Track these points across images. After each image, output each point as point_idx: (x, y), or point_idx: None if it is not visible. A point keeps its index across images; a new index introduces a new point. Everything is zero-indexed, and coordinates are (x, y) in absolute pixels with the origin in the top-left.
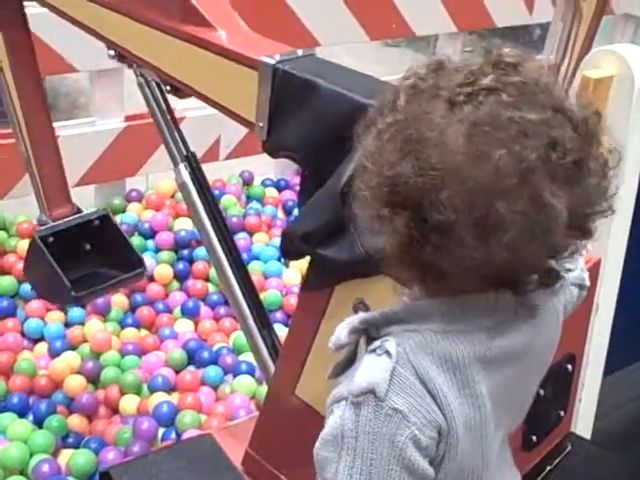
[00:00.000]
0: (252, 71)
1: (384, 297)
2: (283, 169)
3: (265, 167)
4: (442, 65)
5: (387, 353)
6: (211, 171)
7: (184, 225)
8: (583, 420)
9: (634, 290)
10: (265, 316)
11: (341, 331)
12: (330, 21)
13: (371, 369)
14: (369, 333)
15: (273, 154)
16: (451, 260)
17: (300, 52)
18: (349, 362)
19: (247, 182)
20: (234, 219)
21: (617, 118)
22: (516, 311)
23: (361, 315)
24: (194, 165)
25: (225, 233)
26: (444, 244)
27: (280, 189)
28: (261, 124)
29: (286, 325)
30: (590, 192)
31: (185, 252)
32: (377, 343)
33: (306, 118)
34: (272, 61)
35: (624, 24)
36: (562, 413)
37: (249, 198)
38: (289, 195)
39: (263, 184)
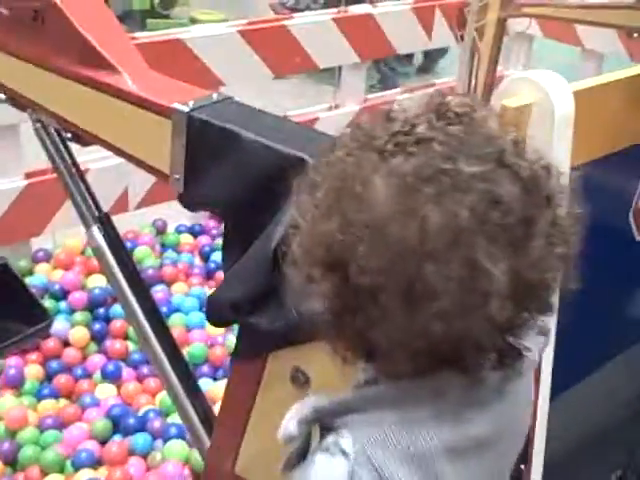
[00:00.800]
0: (164, 119)
1: (323, 364)
2: (197, 214)
3: (178, 213)
4: (388, 115)
5: (343, 452)
6: (122, 222)
7: (97, 282)
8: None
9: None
10: (192, 379)
11: (289, 421)
12: (231, 59)
13: (326, 473)
14: (321, 422)
15: (191, 208)
16: (383, 332)
17: (215, 96)
18: (302, 453)
19: (160, 230)
20: (150, 271)
21: (538, 146)
22: (477, 394)
23: (310, 403)
24: (107, 226)
25: (146, 297)
26: (373, 313)
27: (195, 235)
28: (177, 176)
29: (214, 379)
30: (538, 258)
31: (101, 311)
32: (331, 439)
33: (228, 170)
34: (186, 108)
35: (519, 43)
36: (523, 466)
37: (164, 247)
38: (205, 240)
39: (177, 231)
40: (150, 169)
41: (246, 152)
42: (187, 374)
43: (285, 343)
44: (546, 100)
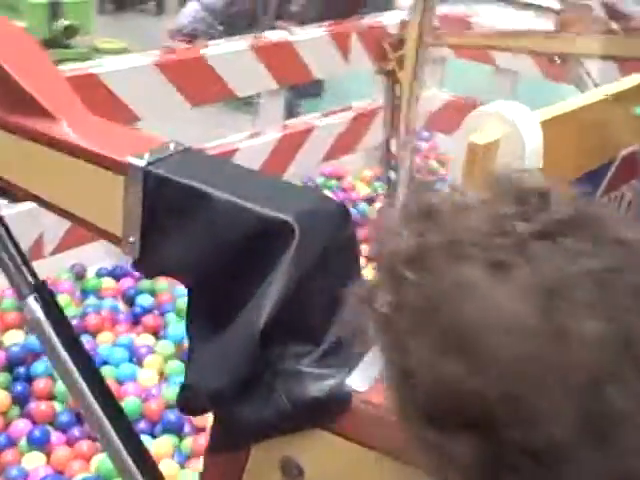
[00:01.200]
0: (115, 175)
1: (318, 452)
2: (118, 255)
3: (97, 256)
4: (432, 211)
5: None
6: (37, 270)
7: (15, 339)
8: None
9: None
10: (135, 437)
11: None
12: (146, 91)
13: None
14: None
15: (149, 275)
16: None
17: (173, 147)
18: None
19: (80, 276)
20: (72, 322)
21: None
22: None
23: None
24: (45, 294)
25: (92, 372)
26: (540, 469)
27: (117, 278)
28: (132, 239)
29: (152, 435)
30: None
31: (21, 370)
32: None
33: (195, 233)
34: (141, 163)
35: (432, 64)
36: None
37: (84, 293)
38: (129, 283)
39: (98, 275)
40: (98, 231)
41: (217, 213)
42: (130, 432)
43: (274, 433)
44: (515, 134)
